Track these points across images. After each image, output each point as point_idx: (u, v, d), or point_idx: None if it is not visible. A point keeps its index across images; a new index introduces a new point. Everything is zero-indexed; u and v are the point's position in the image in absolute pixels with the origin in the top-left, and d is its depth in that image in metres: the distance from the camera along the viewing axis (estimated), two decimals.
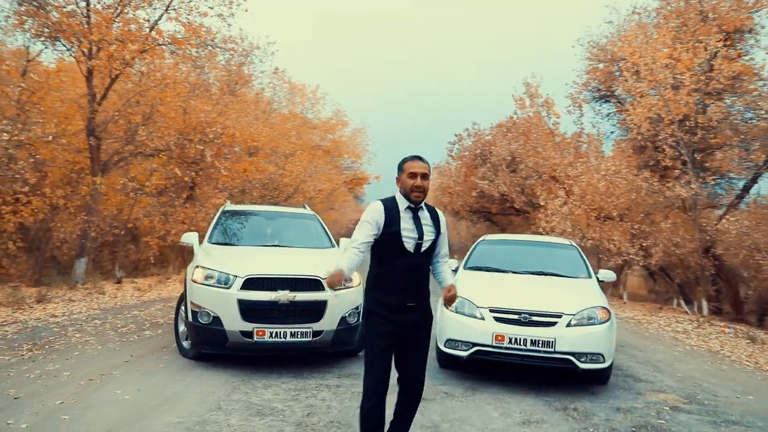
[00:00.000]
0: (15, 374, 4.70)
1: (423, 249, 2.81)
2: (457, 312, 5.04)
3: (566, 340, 4.63)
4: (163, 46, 11.98)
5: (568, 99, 16.24)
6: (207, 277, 5.07)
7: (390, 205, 2.82)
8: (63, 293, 9.94)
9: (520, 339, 4.67)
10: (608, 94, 17.95)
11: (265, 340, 4.80)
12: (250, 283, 4.89)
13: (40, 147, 11.18)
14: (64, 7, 11.00)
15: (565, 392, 4.86)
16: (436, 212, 2.95)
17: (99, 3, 11.37)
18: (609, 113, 18.31)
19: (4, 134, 9.18)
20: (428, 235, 2.83)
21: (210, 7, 11.99)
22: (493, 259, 6.35)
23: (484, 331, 4.80)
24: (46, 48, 11.67)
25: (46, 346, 5.80)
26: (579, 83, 17.22)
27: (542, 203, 14.38)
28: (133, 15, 11.63)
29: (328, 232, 6.76)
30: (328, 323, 5.01)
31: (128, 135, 12.11)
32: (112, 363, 5.17)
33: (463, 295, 5.15)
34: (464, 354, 4.89)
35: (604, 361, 4.73)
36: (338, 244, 6.57)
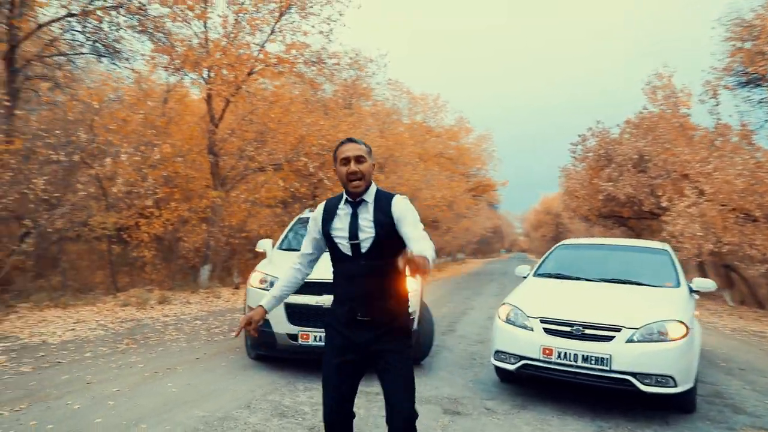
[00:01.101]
0: (101, 363, 5.27)
1: (364, 250, 2.30)
2: (507, 321, 4.69)
3: (624, 357, 4.05)
4: (270, 67, 12.79)
5: (700, 89, 14.40)
6: (262, 281, 5.29)
7: (332, 203, 2.45)
8: (185, 296, 10.98)
9: (570, 354, 4.19)
10: (759, 77, 15.69)
11: (309, 343, 4.87)
12: (300, 288, 4.98)
13: (169, 165, 12.54)
14: (190, 41, 12.28)
15: (631, 418, 4.25)
16: (390, 201, 2.36)
17: (215, 32, 12.56)
18: (762, 99, 16.01)
19: (136, 156, 10.37)
20: (366, 232, 2.30)
21: (312, 26, 12.64)
22: (569, 265, 5.82)
23: (531, 344, 4.39)
24: (173, 77, 13.15)
25: (142, 341, 6.44)
26: (719, 68, 15.26)
27: (666, 204, 12.91)
28: (245, 41, 12.61)
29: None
30: None
31: (241, 151, 13.09)
32: (183, 359, 5.58)
33: (514, 303, 4.79)
34: (512, 367, 4.52)
35: (675, 385, 4.05)
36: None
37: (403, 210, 2.32)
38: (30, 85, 10.89)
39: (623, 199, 17.54)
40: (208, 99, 12.91)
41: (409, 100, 27.52)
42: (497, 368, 4.83)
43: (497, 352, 4.68)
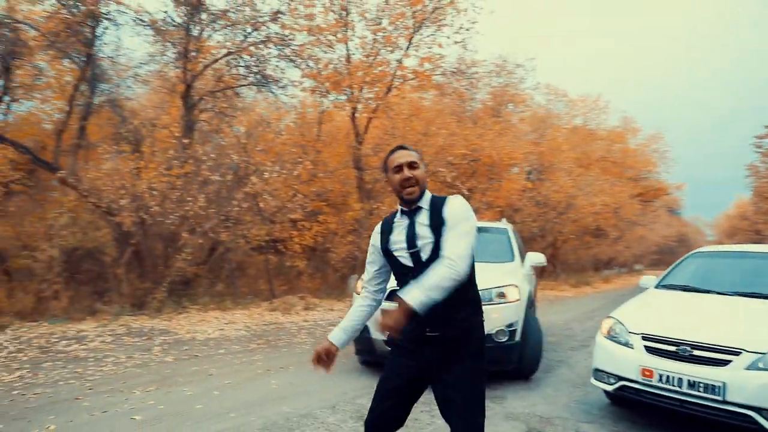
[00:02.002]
0: (228, 359, 5.90)
1: (425, 257, 2.13)
2: (608, 337, 4.25)
3: (743, 387, 3.41)
4: (408, 81, 13.17)
5: None
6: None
7: (388, 220, 2.35)
8: (331, 304, 11.72)
9: (673, 377, 3.64)
10: None
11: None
12: (394, 294, 5.08)
13: (318, 181, 13.56)
14: (334, 64, 13.20)
15: None
16: (443, 203, 2.22)
17: (356, 53, 13.31)
18: None
19: (279, 174, 11.41)
20: (424, 239, 2.16)
21: (447, 37, 12.76)
22: (701, 276, 5.06)
23: (630, 363, 3.90)
24: (321, 99, 14.20)
25: (272, 342, 7.06)
26: None
27: None
28: (384, 59, 13.17)
29: (513, 245, 6.44)
30: None
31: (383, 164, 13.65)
32: (299, 360, 5.99)
33: (618, 316, 4.33)
34: (609, 388, 4.07)
35: None
36: (522, 257, 6.29)
37: (453, 208, 2.17)
38: (202, 117, 12.63)
39: None
40: (352, 116, 13.71)
41: (566, 103, 26.14)
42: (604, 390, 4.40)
43: (596, 370, 4.27)
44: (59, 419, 3.84)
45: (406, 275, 2.20)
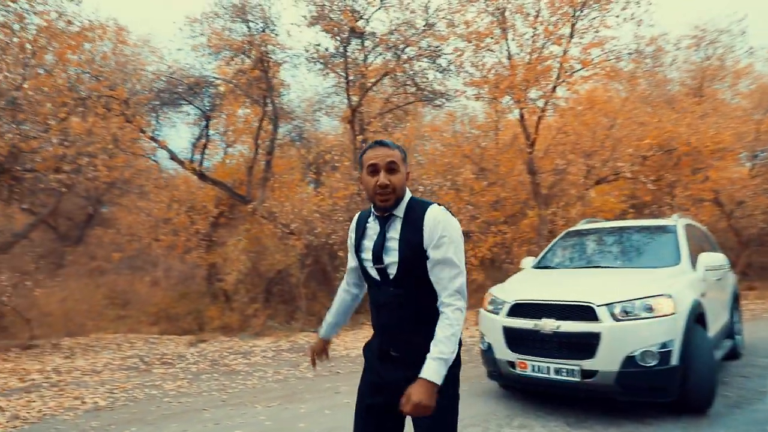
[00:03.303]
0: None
1: (393, 275, 1.94)
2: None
3: None
4: (577, 74, 11.99)
5: None
6: (489, 303, 4.96)
7: (363, 216, 2.13)
8: None
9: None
10: None
11: (527, 373, 4.29)
12: (517, 310, 4.51)
13: (490, 190, 13.07)
14: (494, 68, 12.68)
15: None
16: (421, 214, 1.93)
17: (517, 53, 12.58)
18: None
19: (441, 186, 11.22)
20: (391, 255, 1.94)
21: (615, 16, 11.32)
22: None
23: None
24: (489, 105, 13.72)
25: None
26: None
27: None
28: (547, 53, 12.20)
29: (681, 246, 5.26)
30: (604, 362, 4.01)
31: (556, 166, 12.60)
32: None
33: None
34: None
35: None
36: (693, 260, 5.07)
37: (434, 226, 1.90)
38: (370, 139, 13.14)
39: None
40: (521, 119, 12.96)
41: None
42: None
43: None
44: (177, 428, 4.13)
45: (372, 287, 2.08)
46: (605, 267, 5.22)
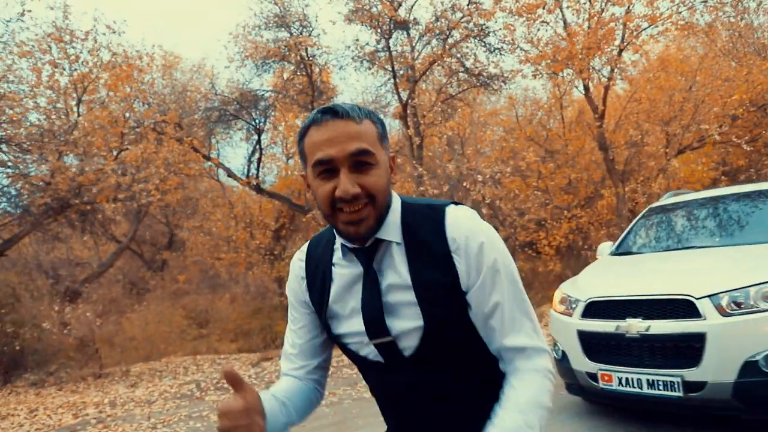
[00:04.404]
0: None
1: (412, 350, 1.10)
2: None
3: None
4: (644, 33, 10.80)
5: None
6: (560, 302, 4.20)
7: (318, 252, 1.21)
8: None
9: None
10: None
11: (614, 388, 3.50)
12: (594, 309, 3.73)
13: (560, 173, 12.09)
14: (554, 40, 11.71)
15: None
16: (442, 231, 1.09)
17: (576, 20, 11.53)
18: None
19: (503, 173, 10.42)
20: (403, 317, 1.08)
21: None
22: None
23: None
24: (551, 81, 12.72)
25: None
26: None
27: None
28: (608, 16, 11.09)
29: None
30: (714, 371, 3.17)
31: (630, 138, 11.44)
32: None
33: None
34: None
35: None
36: None
37: (473, 247, 1.07)
38: (423, 132, 12.51)
39: None
40: (586, 91, 11.89)
41: None
42: None
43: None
44: None
45: (374, 372, 1.18)
46: (702, 247, 4.27)
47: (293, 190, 13.43)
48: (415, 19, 10.88)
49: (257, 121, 12.54)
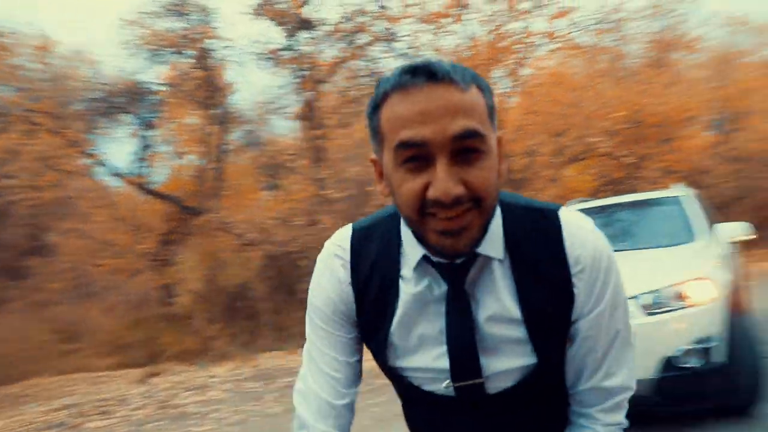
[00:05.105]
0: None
1: (495, 391, 0.87)
2: None
3: None
4: (541, 48, 11.42)
5: None
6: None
7: (376, 249, 0.91)
8: None
9: None
10: None
11: None
12: None
13: None
14: (458, 50, 11.99)
15: None
16: (560, 243, 0.84)
17: (478, 30, 11.90)
18: None
19: None
20: (502, 356, 0.85)
21: None
22: None
23: None
24: None
25: None
26: None
27: None
28: (508, 30, 11.57)
29: (691, 219, 4.53)
30: (639, 368, 3.22)
31: (527, 148, 12.01)
32: None
33: None
34: None
35: None
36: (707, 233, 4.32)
37: (601, 268, 0.85)
38: (326, 135, 12.24)
39: None
40: None
41: (751, 32, 21.48)
42: None
43: None
44: None
45: (433, 406, 0.92)
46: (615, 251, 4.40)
47: (185, 191, 12.55)
48: (321, 19, 10.58)
49: (146, 116, 11.59)
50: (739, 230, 4.38)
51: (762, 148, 15.98)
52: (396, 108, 0.75)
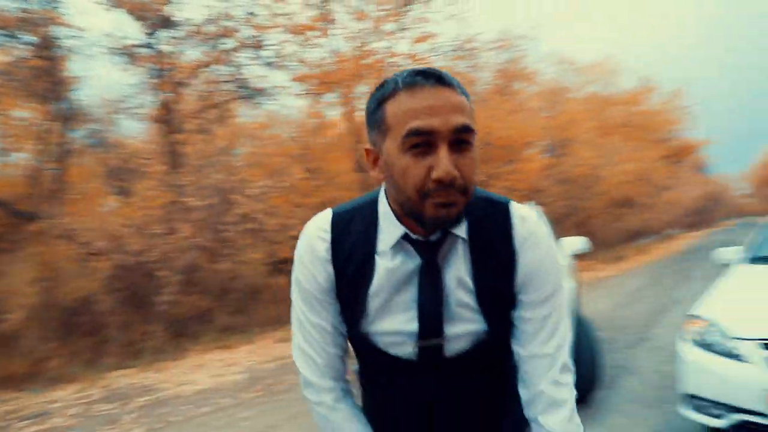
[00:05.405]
0: (210, 421, 4.82)
1: (452, 353, 1.06)
2: (700, 346, 3.03)
3: None
4: (402, 67, 12.05)
5: None
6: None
7: (355, 231, 1.07)
8: None
9: None
10: None
11: None
12: None
13: (321, 190, 12.51)
14: (320, 64, 12.14)
15: None
16: (509, 229, 1.04)
17: (343, 46, 12.22)
18: None
19: (271, 188, 10.39)
20: (461, 321, 1.04)
21: (437, 12, 11.63)
22: None
23: (748, 386, 2.70)
24: (313, 102, 13.16)
25: (271, 387, 5.97)
26: None
27: None
28: (372, 48, 12.05)
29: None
30: None
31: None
32: (297, 411, 4.88)
33: (710, 314, 3.11)
34: (719, 423, 2.85)
35: None
36: None
37: (541, 252, 1.04)
38: (185, 140, 11.68)
39: None
40: (349, 115, 12.65)
41: (577, 71, 24.71)
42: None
43: (690, 397, 3.05)
44: None
45: (392, 373, 1.10)
46: None
47: (17, 194, 11.12)
48: (185, 18, 10.13)
49: None
50: (578, 244, 5.11)
51: (584, 172, 18.44)
52: (404, 102, 0.93)
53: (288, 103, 13.78)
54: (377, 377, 1.14)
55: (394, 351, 1.06)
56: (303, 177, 11.50)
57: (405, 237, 1.01)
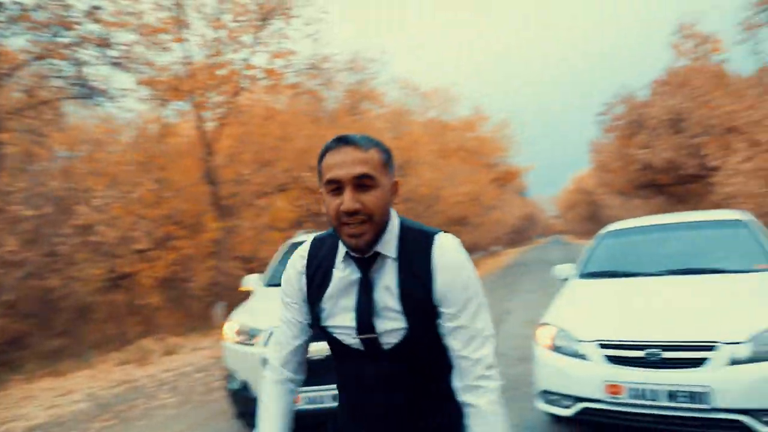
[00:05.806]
0: None
1: (390, 346, 1.33)
2: (552, 349, 3.50)
3: (730, 387, 2.84)
4: (259, 81, 11.91)
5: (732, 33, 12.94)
6: (239, 333, 4.22)
7: (324, 253, 1.41)
8: (196, 341, 10.06)
9: (646, 390, 2.99)
10: None
11: (300, 407, 3.76)
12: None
13: (166, 202, 11.74)
14: (171, 69, 11.46)
15: None
16: (429, 250, 1.33)
17: (198, 54, 11.71)
18: None
19: (116, 199, 9.56)
20: (389, 320, 1.31)
21: (295, 30, 11.72)
22: (622, 257, 4.60)
23: (590, 379, 3.21)
24: (162, 109, 12.36)
25: (123, 414, 5.51)
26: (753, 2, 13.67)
27: (716, 163, 11.49)
28: (228, 59, 11.73)
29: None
30: None
31: (239, 176, 12.23)
32: None
33: (558, 321, 3.62)
34: (568, 412, 3.34)
35: None
36: None
37: (452, 274, 1.31)
38: (7, 139, 10.21)
39: (660, 165, 16.20)
40: (199, 125, 12.08)
41: (420, 96, 26.44)
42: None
43: (544, 392, 3.51)
44: None
45: (349, 360, 1.41)
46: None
47: None
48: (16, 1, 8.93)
49: None
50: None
51: (426, 192, 19.72)
52: (327, 159, 1.28)
53: (131, 107, 12.73)
54: (339, 362, 1.45)
55: (346, 342, 1.37)
56: (149, 188, 10.70)
57: (347, 254, 1.34)
